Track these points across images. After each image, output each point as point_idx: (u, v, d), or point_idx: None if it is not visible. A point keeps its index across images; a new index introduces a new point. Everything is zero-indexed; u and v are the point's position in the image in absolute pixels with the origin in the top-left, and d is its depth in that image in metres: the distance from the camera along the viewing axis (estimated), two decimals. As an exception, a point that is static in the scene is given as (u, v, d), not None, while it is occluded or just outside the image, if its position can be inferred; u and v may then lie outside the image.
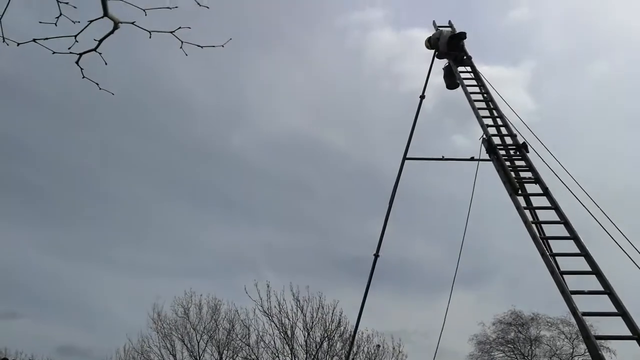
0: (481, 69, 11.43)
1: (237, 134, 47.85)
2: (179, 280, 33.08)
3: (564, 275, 7.41)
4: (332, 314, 24.91)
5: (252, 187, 44.79)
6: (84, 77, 3.87)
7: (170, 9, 3.38)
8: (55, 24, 3.67)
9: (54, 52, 3.69)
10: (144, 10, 3.29)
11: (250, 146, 46.65)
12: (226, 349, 25.59)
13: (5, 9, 3.34)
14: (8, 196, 37.43)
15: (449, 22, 12.80)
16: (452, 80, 11.75)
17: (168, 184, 44.44)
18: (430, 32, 12.66)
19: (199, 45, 3.63)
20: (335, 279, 37.66)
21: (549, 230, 8.46)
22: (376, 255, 10.51)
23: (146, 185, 44.08)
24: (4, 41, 3.47)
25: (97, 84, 3.96)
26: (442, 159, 10.91)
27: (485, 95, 10.78)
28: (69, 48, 3.56)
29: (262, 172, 45.62)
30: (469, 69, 11.44)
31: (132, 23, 3.35)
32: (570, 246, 7.86)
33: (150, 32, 3.45)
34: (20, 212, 38.95)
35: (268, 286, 25.17)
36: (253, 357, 25.01)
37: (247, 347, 25.33)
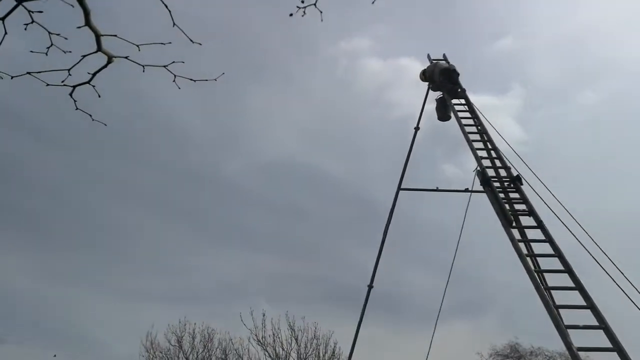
0: (471, 98, 11.52)
1: (232, 161, 47.87)
2: (172, 307, 32.65)
3: (559, 309, 7.38)
4: (327, 344, 24.64)
5: (248, 213, 44.55)
6: (77, 108, 3.89)
7: (164, 44, 3.40)
8: (46, 54, 3.69)
9: (47, 84, 3.70)
10: (137, 46, 3.31)
11: (246, 173, 46.63)
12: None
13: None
14: (-3, 221, 37.00)
15: (444, 55, 12.94)
16: (444, 112, 11.78)
17: (162, 210, 44.15)
18: (421, 62, 12.81)
19: (192, 79, 3.64)
20: (330, 308, 37.27)
21: (543, 263, 8.43)
22: (370, 287, 10.41)
23: (140, 212, 43.76)
24: (-2, 74, 3.48)
25: (90, 115, 3.97)
26: (437, 189, 10.88)
27: (479, 127, 10.83)
28: (63, 81, 3.57)
29: (258, 199, 45.48)
30: (463, 101, 11.51)
31: (126, 57, 3.37)
32: (565, 279, 7.83)
33: (143, 66, 3.46)
34: (8, 236, 38.51)
35: (264, 315, 24.95)
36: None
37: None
